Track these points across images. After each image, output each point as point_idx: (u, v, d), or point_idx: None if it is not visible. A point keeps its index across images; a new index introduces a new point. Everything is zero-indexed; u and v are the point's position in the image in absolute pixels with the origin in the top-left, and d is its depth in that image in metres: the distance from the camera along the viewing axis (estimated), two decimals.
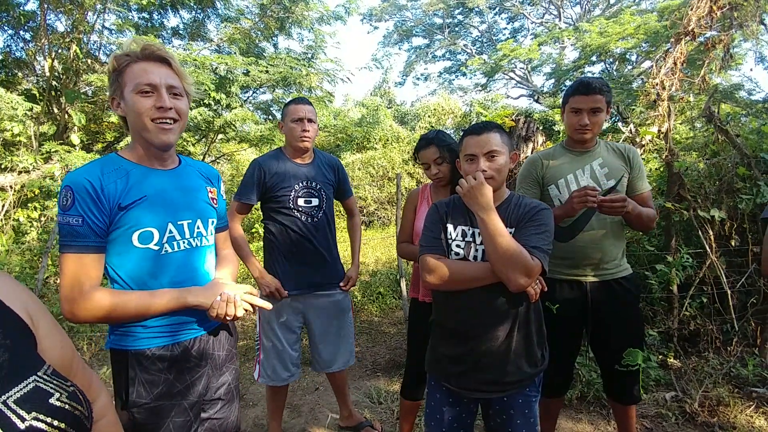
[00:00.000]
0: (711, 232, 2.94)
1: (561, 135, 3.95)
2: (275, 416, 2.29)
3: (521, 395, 1.40)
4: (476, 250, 1.38)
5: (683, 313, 2.95)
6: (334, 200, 2.29)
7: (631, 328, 1.88)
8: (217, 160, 9.92)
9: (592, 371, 2.66)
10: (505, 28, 20.38)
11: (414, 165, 10.05)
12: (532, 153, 3.85)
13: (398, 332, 4.04)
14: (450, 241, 1.41)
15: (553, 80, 16.99)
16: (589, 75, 1.79)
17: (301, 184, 2.09)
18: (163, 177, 1.23)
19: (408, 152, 10.37)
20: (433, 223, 1.44)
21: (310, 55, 7.83)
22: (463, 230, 1.41)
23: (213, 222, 1.34)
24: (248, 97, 8.25)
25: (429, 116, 14.03)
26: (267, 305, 1.28)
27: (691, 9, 3.55)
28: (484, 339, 1.35)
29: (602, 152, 1.88)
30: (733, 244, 2.98)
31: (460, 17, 19.66)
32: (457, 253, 1.39)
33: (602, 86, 1.76)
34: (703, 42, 3.95)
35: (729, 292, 2.84)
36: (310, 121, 2.09)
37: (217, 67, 6.45)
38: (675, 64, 3.83)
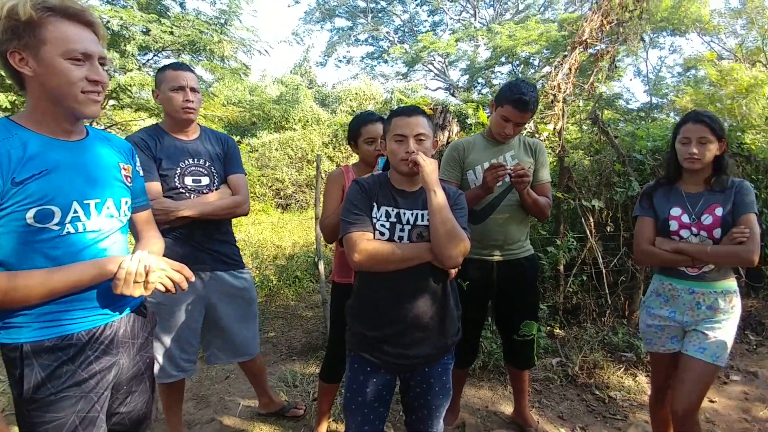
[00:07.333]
0: (591, 220, 3.38)
1: (473, 127, 4.21)
2: (173, 410, 2.11)
3: (440, 364, 1.48)
4: (402, 231, 1.40)
5: (567, 289, 3.38)
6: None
7: (529, 303, 2.11)
8: (108, 130, 8.78)
9: (492, 343, 2.93)
10: (426, 21, 20.96)
11: (346, 145, 9.94)
12: (447, 141, 4.05)
13: (315, 316, 4.03)
14: (374, 221, 1.41)
15: (467, 76, 17.94)
16: (526, 84, 1.87)
17: (186, 162, 1.88)
18: (68, 149, 1.09)
19: (329, 135, 10.23)
20: (359, 200, 1.42)
21: (223, 21, 7.19)
22: (386, 211, 1.41)
23: (127, 202, 1.21)
24: (148, 60, 7.34)
25: (350, 100, 13.95)
26: (184, 285, 1.16)
27: (586, 21, 3.99)
28: (412, 317, 1.38)
29: (515, 145, 2.07)
30: (608, 230, 3.48)
31: (383, 3, 19.70)
32: (382, 233, 1.40)
33: (535, 104, 1.89)
34: (593, 53, 4.48)
35: (604, 271, 3.32)
36: (193, 90, 1.85)
37: (108, 21, 5.59)
38: (570, 70, 4.30)
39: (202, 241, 1.92)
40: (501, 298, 2.09)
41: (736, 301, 1.68)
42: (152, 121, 8.31)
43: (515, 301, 2.08)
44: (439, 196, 1.33)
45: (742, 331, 3.41)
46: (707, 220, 1.64)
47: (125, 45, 5.86)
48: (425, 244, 1.37)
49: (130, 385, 1.23)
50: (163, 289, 1.12)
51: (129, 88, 6.24)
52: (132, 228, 1.31)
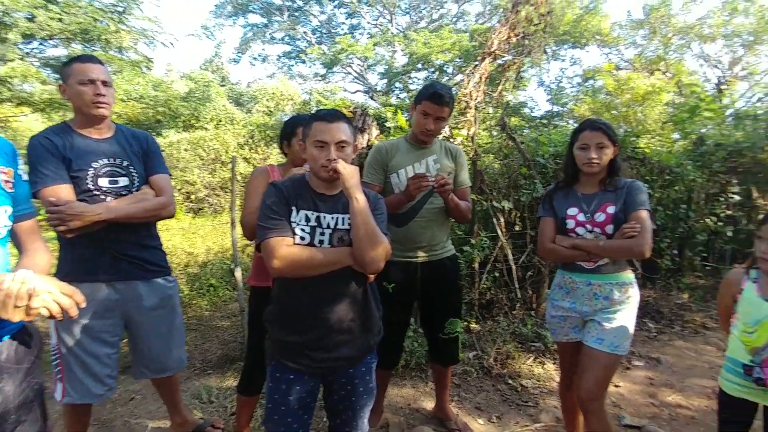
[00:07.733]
0: (502, 220, 3.63)
1: (392, 131, 4.30)
2: None
3: (363, 364, 1.48)
4: (322, 235, 1.37)
5: (482, 285, 3.59)
6: None
7: (452, 301, 2.20)
8: None
9: (413, 341, 3.01)
10: (344, 23, 20.94)
11: (263, 146, 9.46)
12: (368, 144, 4.07)
13: (232, 325, 3.79)
14: (294, 225, 1.37)
15: (385, 80, 18.32)
16: (441, 84, 2.04)
17: (101, 162, 1.72)
18: None
19: (244, 136, 9.74)
20: (277, 204, 1.36)
21: (121, 9, 6.51)
22: (306, 215, 1.38)
23: (7, 210, 1.06)
24: (32, 49, 6.45)
25: (267, 100, 13.44)
26: (74, 311, 1.00)
27: (494, 33, 4.29)
28: (333, 321, 1.37)
29: (437, 150, 2.14)
30: (516, 228, 3.77)
31: (300, 2, 19.31)
32: (302, 238, 1.36)
33: (450, 99, 1.98)
34: (501, 64, 4.84)
35: (514, 267, 3.58)
36: (105, 84, 1.72)
37: None
38: (480, 79, 4.58)
39: (121, 248, 1.76)
40: (425, 298, 2.15)
41: (632, 292, 1.84)
42: (38, 117, 7.24)
43: (439, 301, 2.14)
44: (360, 202, 1.34)
45: (641, 319, 3.82)
46: (600, 217, 1.81)
47: (6, 32, 5.12)
48: (346, 249, 1.36)
49: (18, 414, 1.10)
50: (47, 314, 0.96)
51: (9, 79, 5.49)
52: (14, 239, 1.16)
